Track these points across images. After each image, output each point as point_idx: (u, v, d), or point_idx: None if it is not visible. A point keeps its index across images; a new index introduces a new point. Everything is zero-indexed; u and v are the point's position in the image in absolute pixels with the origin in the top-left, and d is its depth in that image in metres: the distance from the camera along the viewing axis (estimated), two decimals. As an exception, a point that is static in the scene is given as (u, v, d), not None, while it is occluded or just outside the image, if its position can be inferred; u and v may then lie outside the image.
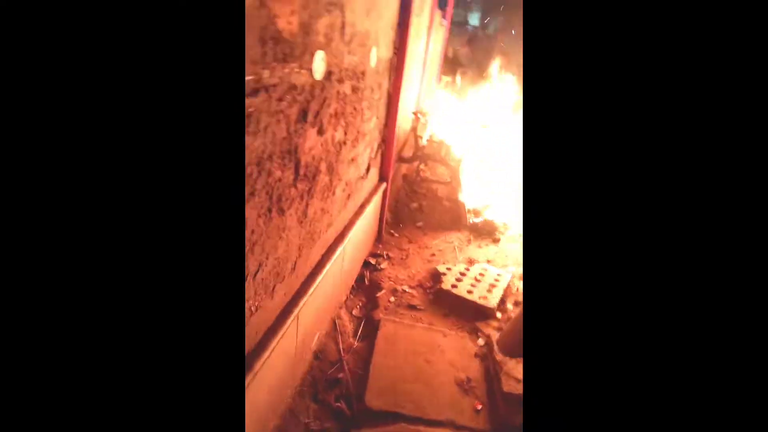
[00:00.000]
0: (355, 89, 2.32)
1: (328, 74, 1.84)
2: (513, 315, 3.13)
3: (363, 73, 2.42)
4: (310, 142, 1.81)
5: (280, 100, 1.43)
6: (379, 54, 2.71)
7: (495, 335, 2.83)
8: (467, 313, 3.15)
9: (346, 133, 2.33)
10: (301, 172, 1.78)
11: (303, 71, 1.56)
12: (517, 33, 13.21)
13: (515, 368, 2.50)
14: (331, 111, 1.98)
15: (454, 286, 3.33)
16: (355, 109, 2.41)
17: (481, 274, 3.55)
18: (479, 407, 2.37)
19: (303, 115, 1.67)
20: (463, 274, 3.51)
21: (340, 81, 2.04)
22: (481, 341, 2.89)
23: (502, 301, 3.29)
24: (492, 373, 2.55)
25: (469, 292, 3.28)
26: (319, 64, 1.68)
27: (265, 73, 1.29)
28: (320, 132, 1.90)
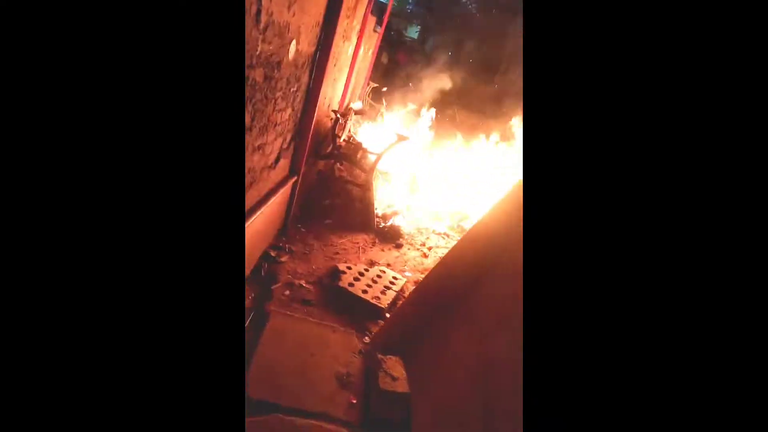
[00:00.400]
0: (267, 77, 2.30)
1: (236, 58, 1.81)
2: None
3: (278, 64, 2.41)
4: (208, 123, 1.76)
5: (172, 74, 1.39)
6: (299, 47, 2.72)
7: (381, 334, 2.97)
8: (360, 312, 3.26)
9: (252, 120, 2.30)
10: (194, 152, 1.73)
11: (204, 50, 1.53)
12: (452, 54, 13.91)
13: (393, 367, 2.65)
14: (236, 95, 1.94)
15: (350, 284, 3.43)
16: (266, 97, 2.39)
17: (378, 276, 3.70)
18: (354, 401, 2.48)
19: (201, 94, 1.62)
20: (361, 274, 3.63)
21: (251, 67, 2.02)
22: (367, 339, 3.01)
23: (394, 303, 3.46)
24: (371, 370, 2.68)
25: (364, 291, 3.41)
26: (224, 46, 1.65)
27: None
28: (221, 114, 1.86)
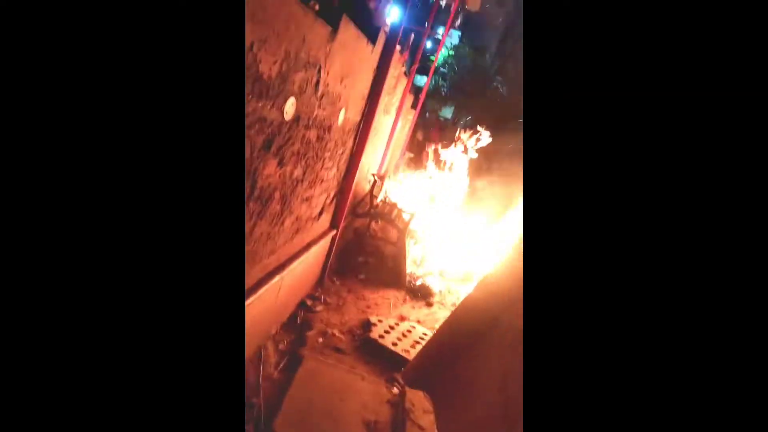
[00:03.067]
0: (320, 138, 2.67)
1: (297, 118, 2.18)
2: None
3: (329, 128, 2.80)
4: (269, 169, 2.08)
5: (249, 126, 1.73)
6: (347, 115, 3.13)
7: (410, 385, 2.98)
8: (389, 363, 3.29)
9: (304, 173, 2.63)
10: (255, 193, 2.03)
11: (274, 110, 1.89)
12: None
13: (421, 417, 2.64)
14: (294, 149, 2.29)
15: (381, 336, 3.50)
16: (316, 155, 2.74)
17: (408, 331, 3.75)
18: (382, 449, 2.46)
19: (267, 145, 1.96)
20: (392, 328, 3.70)
21: (307, 127, 2.38)
22: (396, 390, 3.01)
23: (424, 358, 3.46)
24: (399, 420, 2.66)
25: (394, 344, 3.46)
26: (289, 108, 2.01)
27: (242, 102, 1.60)
28: (280, 164, 2.19)
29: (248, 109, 1.66)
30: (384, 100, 4.06)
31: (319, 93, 2.36)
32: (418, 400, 2.79)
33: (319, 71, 2.23)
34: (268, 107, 1.82)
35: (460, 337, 2.25)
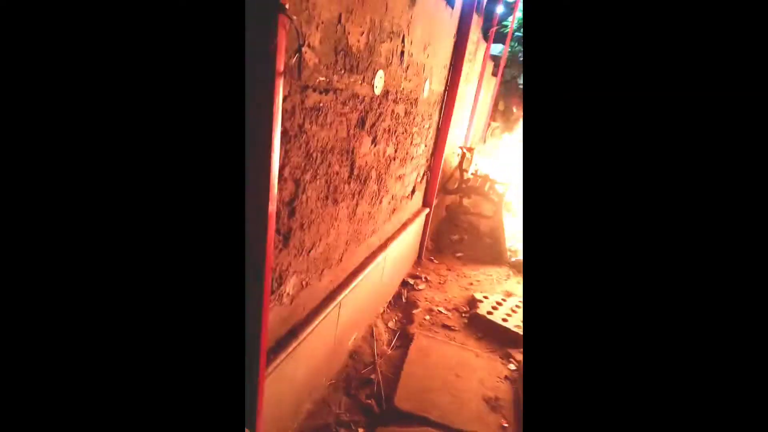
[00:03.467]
0: (407, 113, 2.61)
1: (386, 93, 2.14)
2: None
3: (416, 100, 2.72)
4: (364, 148, 2.08)
5: (344, 103, 1.72)
6: (432, 87, 3.02)
7: (528, 361, 2.82)
8: (500, 339, 3.16)
9: (396, 151, 2.59)
10: (355, 172, 2.04)
11: (365, 84, 1.86)
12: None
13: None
14: (384, 126, 2.26)
15: (489, 312, 3.38)
16: (405, 130, 2.69)
17: (517, 306, 3.57)
18: (505, 425, 2.36)
19: (361, 122, 1.95)
20: (499, 304, 3.54)
21: (395, 101, 2.33)
22: (512, 366, 2.88)
23: (538, 332, 3.26)
24: (520, 398, 2.54)
25: (504, 320, 3.31)
26: (378, 81, 1.98)
27: (335, 78, 1.59)
28: (374, 142, 2.18)
29: (341, 85, 1.65)
30: (466, 68, 3.87)
31: (405, 64, 2.29)
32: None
33: (403, 40, 2.16)
34: (359, 82, 1.80)
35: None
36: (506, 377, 2.76)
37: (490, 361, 2.90)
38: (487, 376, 2.74)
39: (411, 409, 2.35)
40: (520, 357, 2.95)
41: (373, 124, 2.10)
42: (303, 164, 1.53)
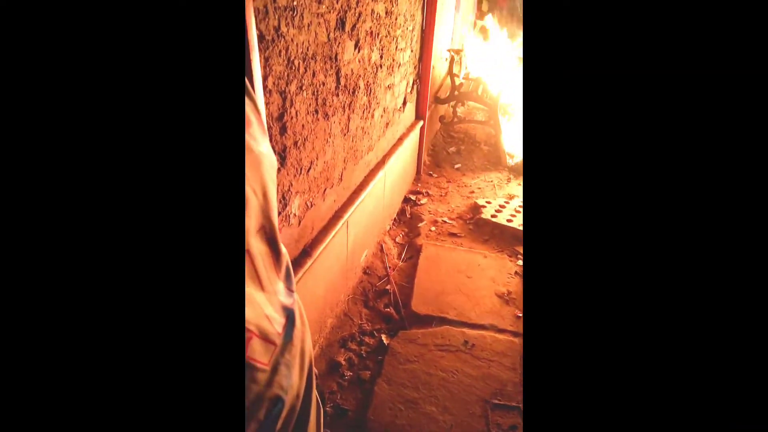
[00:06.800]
0: (388, 12, 2.39)
1: (363, -12, 1.93)
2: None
3: (396, -2, 2.48)
4: (348, 54, 1.93)
5: (319, 1, 1.55)
6: (410, -19, 2.74)
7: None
8: (507, 239, 3.23)
9: (381, 57, 2.42)
10: (342, 82, 1.91)
11: (339, -23, 1.67)
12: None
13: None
14: (366, 28, 2.08)
15: (493, 216, 3.41)
16: (388, 33, 2.49)
17: (520, 206, 3.60)
18: (520, 315, 2.49)
19: (341, 24, 1.78)
20: (502, 207, 3.57)
21: (374, 0, 2.12)
22: (521, 262, 2.97)
23: (543, 228, 3.33)
24: (532, 286, 2.65)
25: (509, 221, 3.35)
26: (353, -27, 1.77)
27: (306, -30, 1.41)
28: (357, 47, 2.01)
29: (314, -22, 1.47)
30: (445, -45, 3.49)
31: (379, -49, 2.04)
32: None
33: None
34: (333, -25, 1.61)
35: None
36: (516, 273, 2.86)
37: (498, 260, 2.99)
38: (498, 274, 2.84)
39: (429, 312, 2.47)
40: (527, 253, 3.04)
41: (354, 26, 1.92)
42: (286, 74, 1.42)
